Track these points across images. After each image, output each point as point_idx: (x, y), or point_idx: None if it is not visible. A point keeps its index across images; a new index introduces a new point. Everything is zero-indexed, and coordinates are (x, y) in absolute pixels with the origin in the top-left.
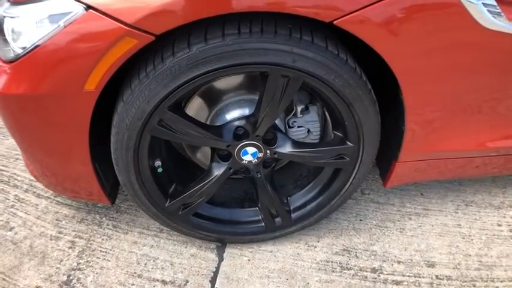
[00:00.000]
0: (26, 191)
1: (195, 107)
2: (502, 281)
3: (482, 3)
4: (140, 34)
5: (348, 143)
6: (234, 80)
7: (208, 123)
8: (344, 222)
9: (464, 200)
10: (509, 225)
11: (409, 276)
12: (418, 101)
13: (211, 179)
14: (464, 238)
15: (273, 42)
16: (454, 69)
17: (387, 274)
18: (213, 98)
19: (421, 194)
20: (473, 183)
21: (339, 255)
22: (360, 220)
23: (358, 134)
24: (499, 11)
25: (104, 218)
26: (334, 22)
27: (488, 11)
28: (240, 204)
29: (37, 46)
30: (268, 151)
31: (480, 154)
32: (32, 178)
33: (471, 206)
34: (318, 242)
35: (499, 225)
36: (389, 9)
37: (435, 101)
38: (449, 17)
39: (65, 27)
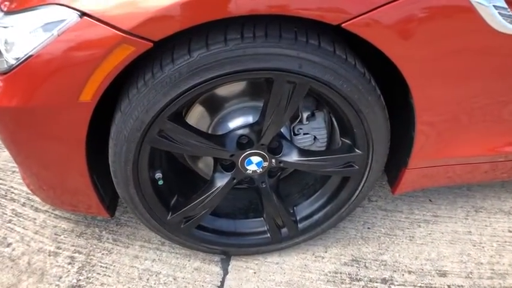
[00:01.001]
0: (24, 204)
1: (196, 116)
2: None
3: (493, 6)
4: (137, 41)
5: (357, 150)
6: (237, 86)
7: (210, 131)
8: (352, 231)
9: (474, 205)
10: None
11: (420, 286)
12: (428, 106)
13: (214, 191)
14: (475, 246)
15: (277, 47)
16: (465, 73)
17: (398, 285)
18: (214, 106)
19: (430, 200)
20: (482, 189)
21: (348, 265)
22: (368, 228)
23: (367, 141)
24: (510, 13)
25: (103, 232)
26: (342, 25)
27: (500, 13)
28: (244, 215)
29: (30, 56)
30: (273, 160)
31: (489, 160)
32: (30, 191)
33: (481, 212)
34: (326, 252)
35: (510, 232)
36: (399, 11)
37: (446, 106)
38: (460, 19)
39: (58, 35)
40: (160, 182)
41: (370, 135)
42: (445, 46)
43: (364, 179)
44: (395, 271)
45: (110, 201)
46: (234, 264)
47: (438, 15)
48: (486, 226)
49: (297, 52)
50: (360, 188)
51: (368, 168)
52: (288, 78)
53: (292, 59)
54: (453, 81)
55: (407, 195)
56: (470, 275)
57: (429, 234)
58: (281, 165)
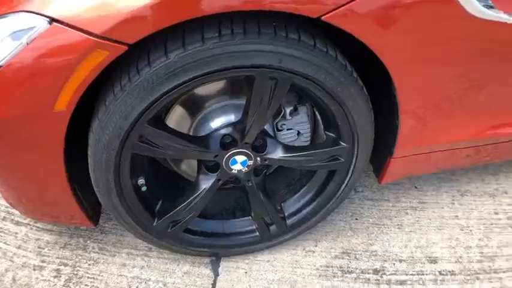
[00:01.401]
0: (4, 219)
1: (176, 118)
2: (504, 272)
3: None
4: (111, 45)
5: (342, 143)
6: (216, 85)
7: (191, 133)
8: (340, 223)
9: (459, 190)
10: (506, 213)
11: (412, 274)
12: (411, 95)
13: (200, 193)
14: (463, 230)
15: (257, 43)
16: (447, 61)
17: (390, 274)
18: (195, 106)
19: (415, 187)
20: (466, 172)
21: (339, 258)
22: (356, 219)
23: (351, 133)
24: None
25: (88, 241)
26: (322, 18)
27: (478, 0)
28: (232, 215)
29: (0, 66)
30: (258, 158)
31: (472, 144)
32: (9, 205)
33: (466, 195)
34: (316, 246)
35: (496, 214)
36: (379, 1)
37: (428, 93)
38: (439, 6)
39: (28, 43)
40: (144, 189)
41: (354, 127)
42: (425, 33)
43: (351, 171)
44: (385, 260)
45: (92, 209)
46: (225, 265)
47: (417, 3)
48: (472, 209)
49: (276, 47)
50: (346, 181)
51: (354, 161)
52: (269, 75)
53: (273, 54)
54: (434, 69)
55: (393, 184)
56: (460, 260)
57: (417, 221)
58: (266, 162)
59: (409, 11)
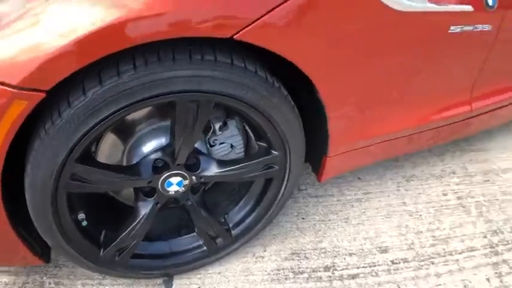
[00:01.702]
0: None
1: (108, 146)
2: (460, 253)
3: None
4: (29, 94)
5: (274, 152)
6: (144, 109)
7: (125, 159)
8: (287, 224)
9: (404, 175)
10: (455, 193)
11: (364, 267)
12: (336, 95)
13: (141, 219)
14: (412, 216)
15: (173, 70)
16: (368, 56)
17: (341, 270)
18: (125, 132)
19: (359, 178)
20: (410, 157)
21: (289, 260)
22: (303, 218)
23: (281, 141)
24: None
25: (44, 277)
26: (235, 37)
27: None
28: (177, 233)
29: None
30: (193, 177)
31: (411, 132)
32: None
33: (412, 180)
34: (265, 251)
35: (445, 195)
36: (289, 12)
37: (353, 91)
38: (355, 4)
39: None
40: (85, 223)
41: (283, 135)
42: (343, 33)
43: (286, 177)
44: (335, 256)
45: (41, 248)
46: (178, 282)
47: (330, 3)
48: (420, 194)
49: (193, 71)
50: (284, 186)
51: (288, 167)
52: (190, 98)
53: (190, 78)
54: (356, 66)
55: (336, 178)
56: (412, 246)
57: (363, 212)
58: (202, 180)
59: (322, 11)
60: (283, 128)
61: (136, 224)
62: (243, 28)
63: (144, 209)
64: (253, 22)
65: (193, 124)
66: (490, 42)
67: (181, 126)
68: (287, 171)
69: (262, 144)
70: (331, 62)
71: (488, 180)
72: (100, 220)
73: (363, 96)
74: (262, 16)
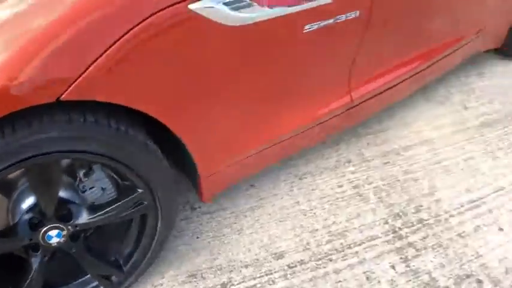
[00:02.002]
0: None
1: None
2: (360, 244)
3: (223, 3)
4: None
5: (138, 189)
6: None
7: (10, 216)
8: (182, 247)
9: (297, 174)
10: (351, 182)
11: (260, 276)
12: (187, 130)
13: (33, 273)
14: (306, 214)
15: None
16: (214, 84)
17: (238, 284)
18: (7, 189)
19: (252, 186)
20: (303, 154)
21: (186, 283)
22: (197, 238)
23: (143, 180)
24: (248, 1)
25: None
26: (61, 99)
27: (233, 8)
28: (73, 278)
29: None
30: (69, 227)
31: (292, 134)
32: None
33: (305, 177)
34: (163, 278)
35: (340, 186)
36: (109, 63)
37: (205, 121)
38: (185, 35)
39: None
40: None
41: (144, 174)
42: (179, 66)
43: (159, 209)
44: (231, 271)
45: None
46: None
47: (162, 39)
48: (313, 190)
49: (29, 141)
50: (159, 218)
51: (157, 200)
52: (33, 162)
53: (27, 144)
54: (203, 97)
55: (229, 190)
56: (308, 246)
57: (257, 220)
58: (78, 228)
59: (150, 51)
60: (142, 169)
61: (31, 279)
62: (67, 88)
63: (34, 263)
64: (75, 80)
65: (47, 184)
66: (360, 29)
67: (35, 187)
68: (158, 204)
69: (127, 183)
70: (178, 100)
71: (388, 162)
72: (6, 279)
73: (217, 120)
74: (82, 73)
